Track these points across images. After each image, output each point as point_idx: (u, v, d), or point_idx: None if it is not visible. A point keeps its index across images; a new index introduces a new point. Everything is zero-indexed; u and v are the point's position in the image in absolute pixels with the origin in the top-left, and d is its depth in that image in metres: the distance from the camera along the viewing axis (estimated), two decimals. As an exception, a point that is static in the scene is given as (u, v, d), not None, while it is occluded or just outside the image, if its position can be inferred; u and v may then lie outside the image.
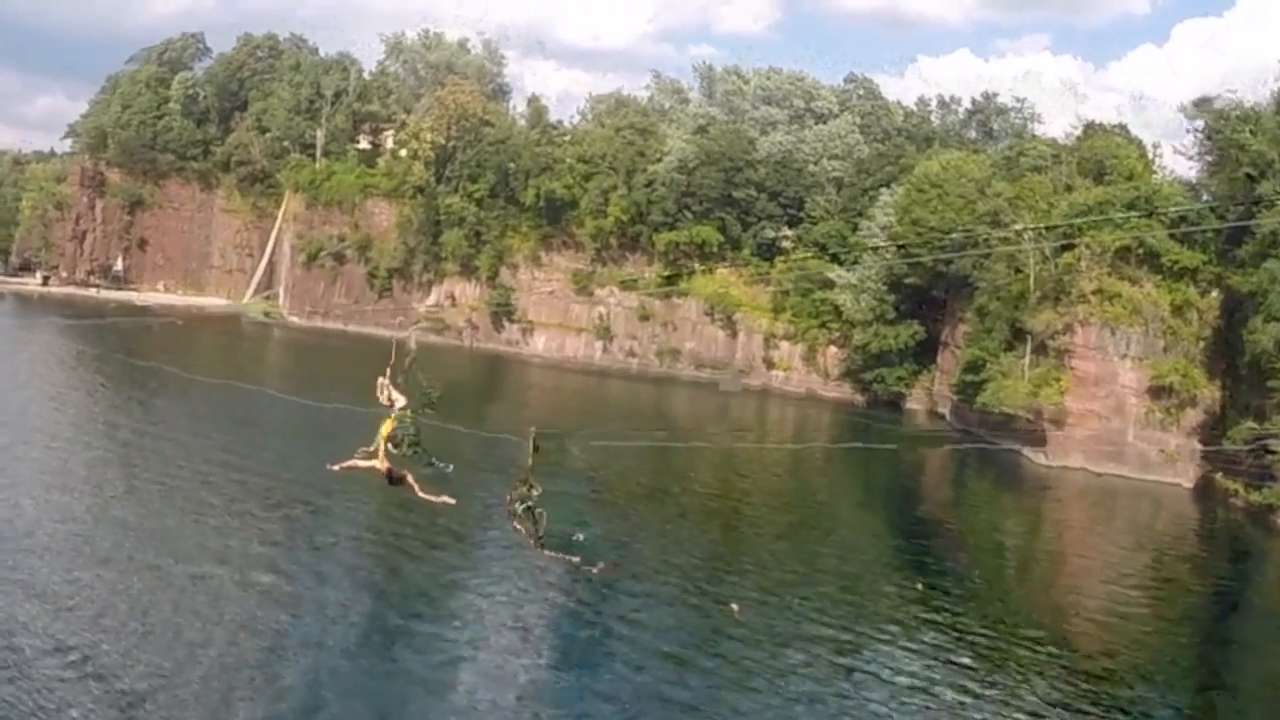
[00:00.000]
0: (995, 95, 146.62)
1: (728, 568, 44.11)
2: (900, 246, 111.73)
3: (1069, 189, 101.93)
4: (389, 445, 16.60)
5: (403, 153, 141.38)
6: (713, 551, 47.39)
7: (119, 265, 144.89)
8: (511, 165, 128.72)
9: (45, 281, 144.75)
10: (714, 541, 49.74)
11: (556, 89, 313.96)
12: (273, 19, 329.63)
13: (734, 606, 35.41)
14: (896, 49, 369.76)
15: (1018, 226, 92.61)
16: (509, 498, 17.78)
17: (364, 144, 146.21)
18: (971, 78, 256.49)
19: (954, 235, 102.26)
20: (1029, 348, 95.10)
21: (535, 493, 17.62)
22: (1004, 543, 60.40)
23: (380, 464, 16.92)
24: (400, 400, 16.92)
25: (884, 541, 56.65)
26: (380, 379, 16.91)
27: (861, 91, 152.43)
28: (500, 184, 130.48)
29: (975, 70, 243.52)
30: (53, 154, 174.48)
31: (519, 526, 17.88)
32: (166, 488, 44.84)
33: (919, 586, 42.90)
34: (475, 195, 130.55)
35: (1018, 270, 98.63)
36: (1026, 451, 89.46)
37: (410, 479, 17.30)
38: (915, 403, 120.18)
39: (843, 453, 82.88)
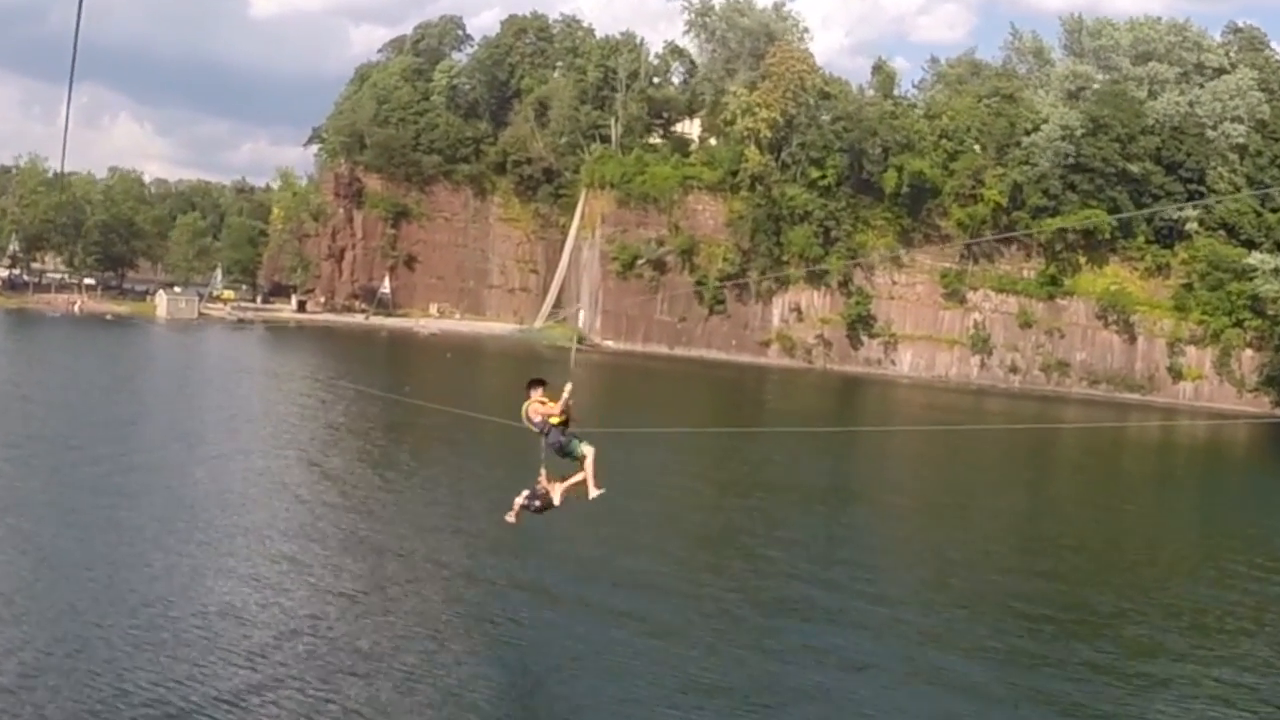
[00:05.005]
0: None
1: None
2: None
3: None
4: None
5: (713, 141, 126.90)
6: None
7: (385, 287, 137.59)
8: (864, 145, 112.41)
9: (301, 307, 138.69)
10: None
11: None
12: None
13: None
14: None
15: None
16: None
17: (655, 137, 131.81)
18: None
19: None
20: None
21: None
22: None
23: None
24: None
25: None
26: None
27: (1243, 42, 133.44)
28: (849, 168, 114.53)
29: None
30: (268, 189, 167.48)
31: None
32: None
33: None
34: (822, 183, 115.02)
35: None
36: None
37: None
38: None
39: None
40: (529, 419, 17.09)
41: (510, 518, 17.93)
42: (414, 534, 35.25)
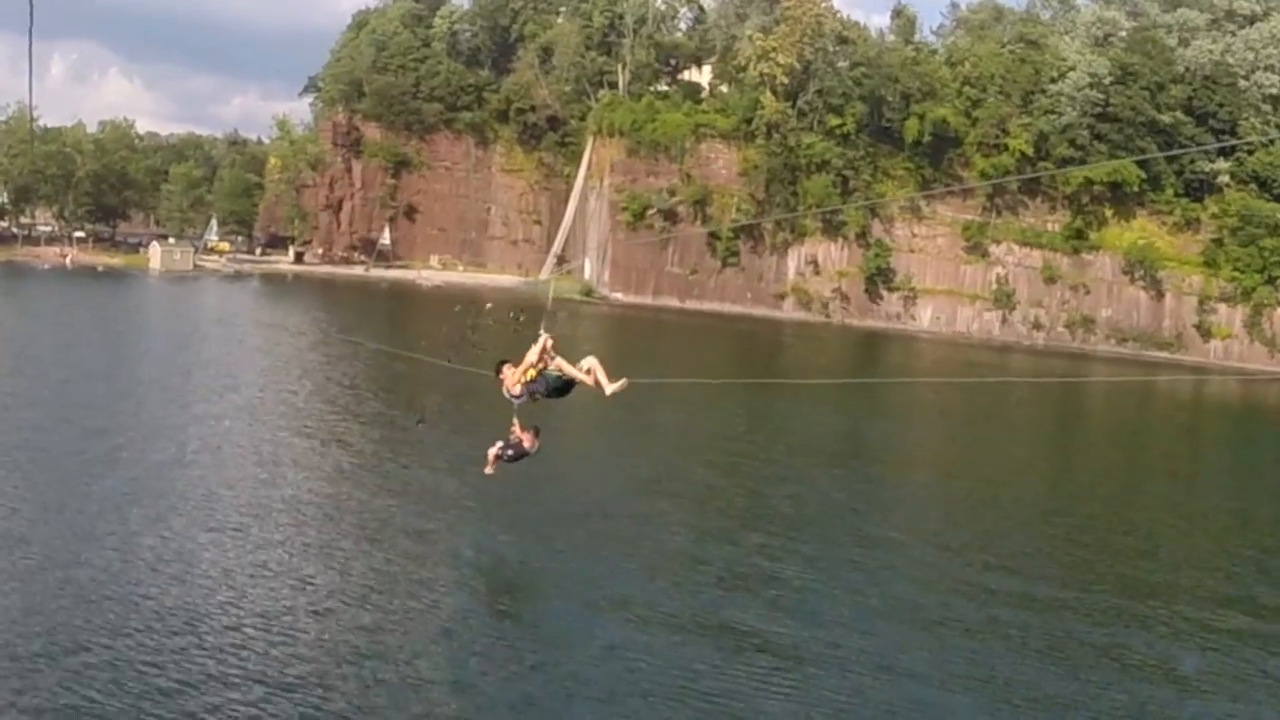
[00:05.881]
0: None
1: None
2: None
3: None
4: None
5: (724, 89, 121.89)
6: None
7: (385, 238, 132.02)
8: (884, 92, 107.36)
9: (299, 259, 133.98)
10: None
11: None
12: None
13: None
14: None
15: None
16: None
17: (662, 84, 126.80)
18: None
19: None
20: None
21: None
22: None
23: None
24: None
25: None
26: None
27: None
28: (869, 116, 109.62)
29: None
30: (260, 142, 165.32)
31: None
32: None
33: None
34: (840, 131, 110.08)
35: None
36: None
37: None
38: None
39: None
40: (512, 394, 17.21)
41: (488, 469, 18.52)
42: (470, 521, 30.18)
